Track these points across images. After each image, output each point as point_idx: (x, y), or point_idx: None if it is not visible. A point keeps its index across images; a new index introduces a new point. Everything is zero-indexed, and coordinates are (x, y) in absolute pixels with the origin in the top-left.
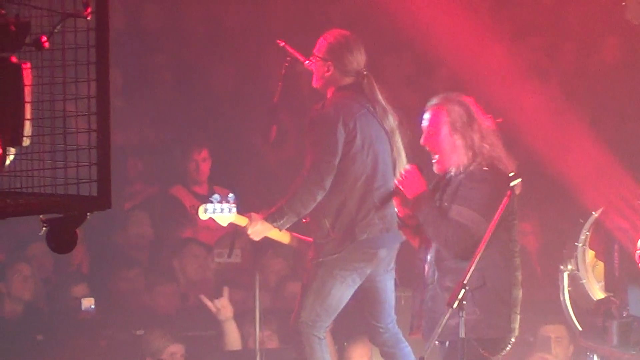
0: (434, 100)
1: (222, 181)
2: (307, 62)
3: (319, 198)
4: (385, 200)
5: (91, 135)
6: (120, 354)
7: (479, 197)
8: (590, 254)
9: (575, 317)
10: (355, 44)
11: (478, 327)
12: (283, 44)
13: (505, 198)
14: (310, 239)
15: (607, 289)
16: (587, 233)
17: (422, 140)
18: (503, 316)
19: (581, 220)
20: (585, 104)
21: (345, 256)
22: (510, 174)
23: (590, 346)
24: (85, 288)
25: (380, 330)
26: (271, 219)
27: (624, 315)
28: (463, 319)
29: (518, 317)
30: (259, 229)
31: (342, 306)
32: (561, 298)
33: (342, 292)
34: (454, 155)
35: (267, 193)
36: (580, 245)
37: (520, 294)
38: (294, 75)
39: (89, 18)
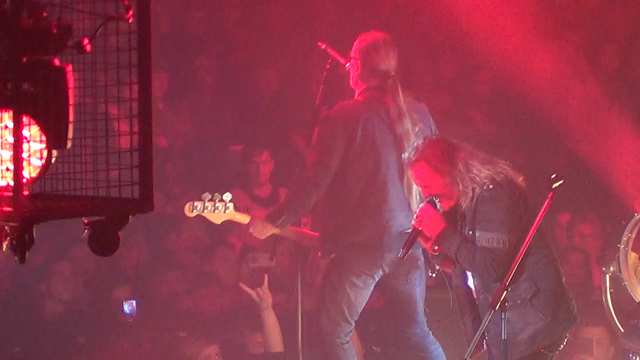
0: (408, 156)
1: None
2: (347, 64)
3: (315, 197)
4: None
5: (133, 138)
6: (161, 356)
7: (497, 216)
8: (632, 256)
9: (617, 318)
10: (384, 45)
11: (548, 330)
12: (324, 46)
13: (547, 200)
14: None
15: None
16: (630, 235)
17: (424, 195)
18: (564, 310)
19: (623, 222)
20: (629, 105)
21: (348, 259)
22: (552, 176)
23: (632, 347)
24: (127, 290)
25: (406, 335)
26: (271, 217)
27: None
28: (504, 320)
29: (573, 300)
30: (260, 228)
31: (359, 309)
32: (603, 300)
33: (355, 295)
34: (455, 192)
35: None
36: (622, 247)
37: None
38: (336, 77)
39: (130, 21)
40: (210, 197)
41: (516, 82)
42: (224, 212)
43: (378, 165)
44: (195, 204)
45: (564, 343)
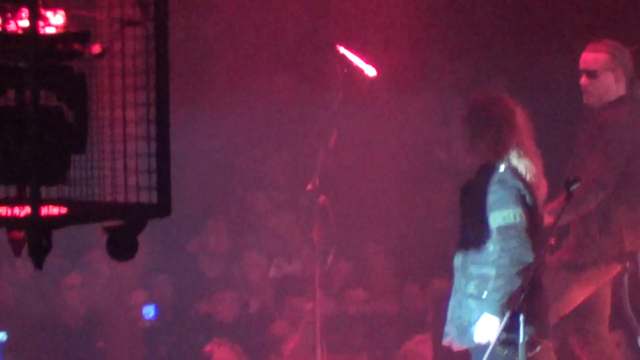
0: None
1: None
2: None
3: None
4: None
5: (151, 143)
6: None
7: None
8: None
9: (636, 319)
10: None
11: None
12: (342, 49)
13: (564, 202)
14: None
15: None
16: None
17: None
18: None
19: None
20: None
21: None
22: (571, 179)
23: None
24: (145, 295)
25: None
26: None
27: None
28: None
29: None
30: None
31: None
32: (622, 300)
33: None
34: None
35: (328, 200)
36: None
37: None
38: (354, 81)
39: (148, 26)
40: None
41: (534, 82)
42: None
43: None
44: None
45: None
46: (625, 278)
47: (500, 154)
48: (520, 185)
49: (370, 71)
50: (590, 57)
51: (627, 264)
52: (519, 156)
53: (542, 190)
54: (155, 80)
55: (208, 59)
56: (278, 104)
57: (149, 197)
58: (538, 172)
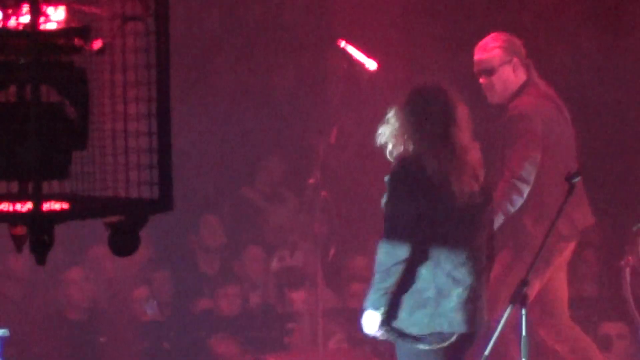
0: None
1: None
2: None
3: None
4: None
5: (153, 138)
6: (183, 357)
7: None
8: None
9: (638, 312)
10: None
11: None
12: (344, 43)
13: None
14: None
15: None
16: None
17: None
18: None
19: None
20: None
21: None
22: (573, 172)
23: None
24: (147, 290)
25: None
26: None
27: None
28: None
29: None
30: None
31: None
32: (623, 294)
33: None
34: None
35: (329, 195)
36: None
37: None
38: (355, 76)
39: (149, 21)
40: None
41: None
42: None
43: None
44: None
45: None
46: (627, 272)
47: (420, 147)
48: (422, 179)
49: (371, 65)
50: (483, 57)
51: (630, 259)
52: (446, 151)
53: (470, 185)
54: (156, 75)
55: (209, 55)
56: (279, 98)
57: (150, 192)
58: (470, 169)
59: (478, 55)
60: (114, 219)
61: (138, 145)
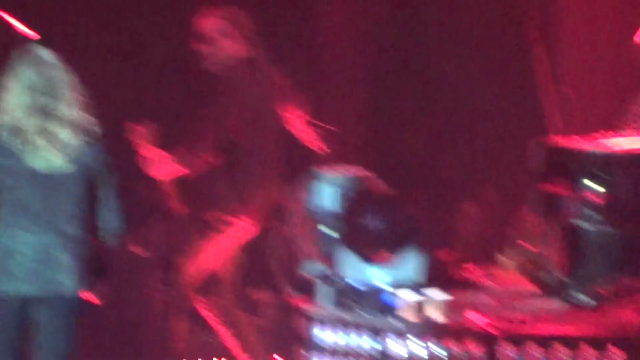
0: None
1: None
2: None
3: None
4: None
5: None
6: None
7: None
8: None
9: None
10: None
11: None
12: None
13: None
14: None
15: None
16: None
17: None
18: None
19: None
20: None
21: None
22: None
23: None
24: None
25: None
26: None
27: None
28: None
29: None
30: None
31: None
32: (269, 258)
33: None
34: None
35: None
36: None
37: None
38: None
39: None
40: None
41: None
42: None
43: None
44: None
45: None
46: (272, 237)
47: None
48: None
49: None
50: (206, 23)
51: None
52: None
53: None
54: None
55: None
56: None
57: None
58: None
59: (202, 20)
60: None
61: None
